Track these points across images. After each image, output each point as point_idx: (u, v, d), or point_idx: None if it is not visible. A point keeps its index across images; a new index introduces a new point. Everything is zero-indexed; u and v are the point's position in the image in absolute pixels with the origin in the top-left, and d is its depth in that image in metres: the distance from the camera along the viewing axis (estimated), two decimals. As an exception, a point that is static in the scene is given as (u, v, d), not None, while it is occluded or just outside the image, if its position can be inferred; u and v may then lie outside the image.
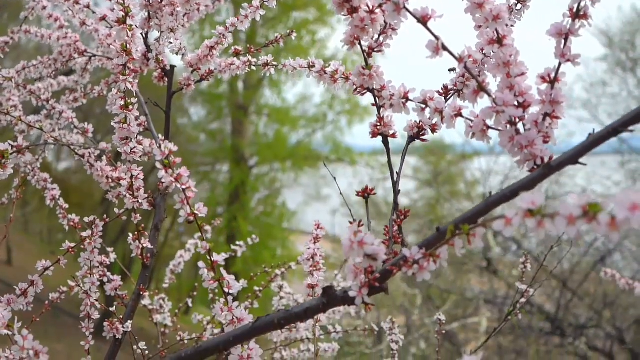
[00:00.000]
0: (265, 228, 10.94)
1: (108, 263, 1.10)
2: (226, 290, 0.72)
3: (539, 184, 0.55)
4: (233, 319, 0.72)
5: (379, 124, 0.72)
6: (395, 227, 0.71)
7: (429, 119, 0.72)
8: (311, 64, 0.88)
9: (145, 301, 1.41)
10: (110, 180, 1.10)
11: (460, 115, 0.66)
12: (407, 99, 0.70)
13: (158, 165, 0.68)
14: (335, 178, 1.03)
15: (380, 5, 0.64)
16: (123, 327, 1.02)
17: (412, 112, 0.72)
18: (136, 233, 1.05)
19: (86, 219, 0.99)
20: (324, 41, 11.07)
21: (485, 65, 0.67)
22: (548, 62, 0.64)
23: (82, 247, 1.04)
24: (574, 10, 0.60)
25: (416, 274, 0.60)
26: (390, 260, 0.63)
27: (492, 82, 0.67)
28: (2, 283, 7.18)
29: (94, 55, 1.29)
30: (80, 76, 1.29)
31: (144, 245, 1.06)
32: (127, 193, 0.98)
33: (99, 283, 1.02)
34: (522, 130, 0.61)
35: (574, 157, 0.55)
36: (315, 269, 0.99)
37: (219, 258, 0.73)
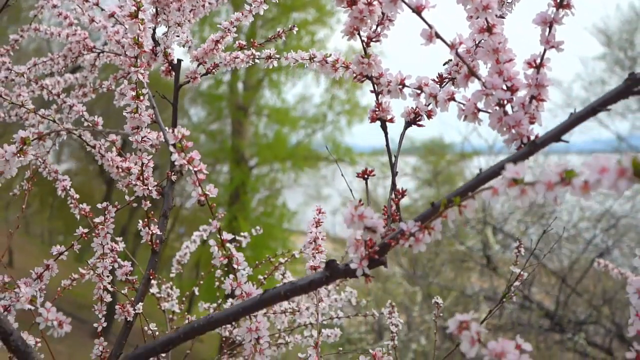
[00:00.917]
0: (265, 228, 10.98)
1: (119, 249, 1.15)
2: (235, 266, 0.77)
3: (524, 160, 0.60)
4: (242, 293, 0.76)
5: (377, 109, 0.77)
6: (394, 206, 0.76)
7: (425, 104, 0.77)
8: (312, 55, 0.93)
9: (153, 289, 1.46)
10: (120, 170, 1.15)
11: (453, 99, 0.71)
12: (404, 85, 0.75)
13: (171, 149, 0.73)
14: (343, 175, 1.07)
15: (377, -3, 0.68)
16: (134, 309, 1.06)
17: (408, 98, 0.77)
18: (146, 220, 1.10)
19: (99, 206, 1.03)
20: (323, 41, 11.12)
21: (477, 53, 0.72)
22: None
23: (93, 234, 1.08)
24: (558, 0, 0.65)
25: (412, 245, 0.65)
26: (389, 235, 0.68)
27: (483, 69, 0.72)
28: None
29: (102, 52, 1.34)
30: (89, 72, 1.34)
31: (154, 232, 1.11)
32: (138, 181, 1.03)
33: (110, 267, 1.07)
34: (510, 111, 0.66)
35: (556, 135, 0.60)
36: (317, 251, 1.04)
37: (228, 236, 0.77)
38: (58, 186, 1.25)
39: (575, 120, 0.59)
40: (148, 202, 1.07)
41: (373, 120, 0.78)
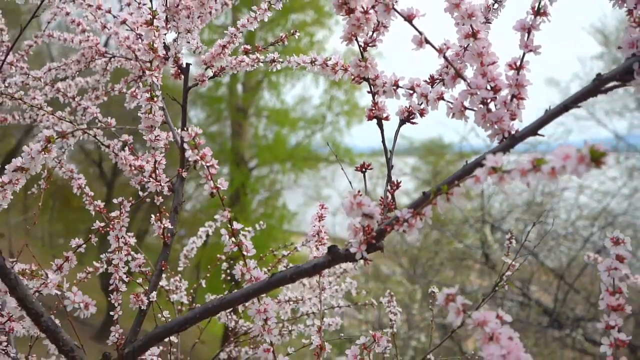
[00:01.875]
0: (266, 229, 11.03)
1: (132, 243, 1.21)
2: (245, 253, 0.84)
3: (505, 152, 0.67)
4: (251, 277, 0.83)
5: (373, 108, 0.84)
6: (389, 197, 0.83)
7: (417, 103, 0.84)
8: (313, 59, 1.00)
9: (162, 282, 1.52)
10: (132, 168, 1.22)
11: (442, 98, 0.78)
12: (398, 86, 0.82)
13: (186, 145, 0.80)
14: (345, 174, 1.14)
15: (373, 7, 0.75)
16: (148, 298, 1.13)
17: (402, 97, 0.84)
18: (158, 214, 1.17)
19: (115, 200, 1.10)
20: (321, 43, 11.19)
21: (464, 56, 0.79)
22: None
23: (109, 228, 1.15)
24: (535, 8, 0.72)
25: (406, 231, 0.72)
26: (385, 222, 0.75)
27: (470, 71, 0.79)
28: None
29: (114, 56, 1.41)
30: (101, 75, 1.41)
31: (165, 226, 1.18)
32: (151, 177, 1.10)
33: (125, 259, 1.13)
34: (493, 109, 0.73)
35: (533, 129, 0.67)
36: (320, 243, 1.11)
37: (239, 226, 0.84)
38: (74, 184, 1.32)
39: (550, 116, 0.66)
40: (160, 197, 1.14)
41: (370, 118, 0.85)
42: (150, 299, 1.12)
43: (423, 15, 0.72)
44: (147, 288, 1.13)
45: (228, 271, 1.60)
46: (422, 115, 0.87)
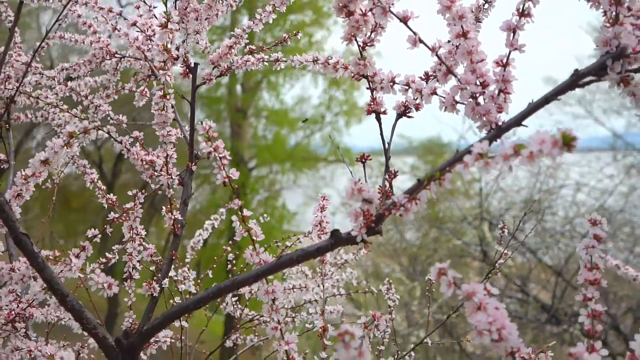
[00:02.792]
0: (266, 229, 11.08)
1: (144, 234, 1.28)
2: (254, 238, 0.91)
3: (492, 141, 0.74)
4: (260, 261, 0.90)
5: (372, 103, 0.91)
6: (387, 185, 0.89)
7: (413, 98, 0.90)
8: (315, 57, 1.07)
9: (171, 273, 1.59)
10: (144, 163, 1.28)
11: (435, 93, 0.85)
12: (394, 82, 0.89)
13: (200, 138, 0.87)
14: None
15: (371, 9, 0.82)
16: (160, 285, 1.20)
17: (399, 93, 0.90)
18: (169, 206, 1.23)
19: (130, 192, 1.17)
20: (320, 43, 11.26)
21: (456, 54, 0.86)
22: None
23: (122, 218, 1.22)
24: (520, 10, 0.79)
25: (403, 215, 0.79)
26: (383, 206, 0.81)
27: (461, 68, 0.85)
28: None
29: (124, 57, 1.47)
30: (112, 75, 1.48)
31: (176, 217, 1.24)
32: (162, 171, 1.16)
33: (140, 248, 1.20)
34: (482, 102, 0.80)
35: (517, 121, 0.74)
36: (322, 233, 1.18)
37: (248, 213, 0.91)
38: (87, 179, 1.39)
39: (532, 108, 0.73)
40: (171, 190, 1.21)
41: (369, 112, 0.92)
42: (162, 286, 1.19)
43: (417, 17, 0.79)
44: (159, 275, 1.19)
45: (234, 262, 1.66)
46: (417, 109, 0.93)
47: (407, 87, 0.87)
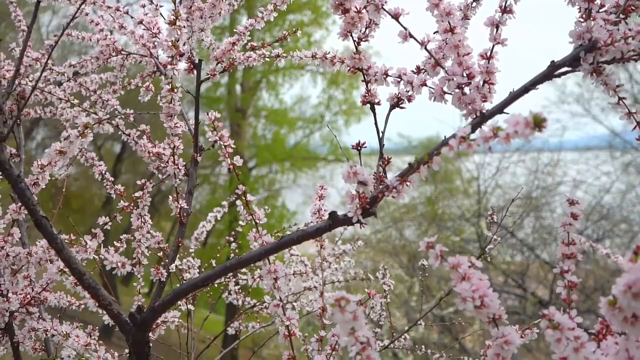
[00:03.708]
0: (265, 229, 11.14)
1: (151, 223, 1.34)
2: (257, 221, 0.97)
3: (476, 127, 0.80)
4: (262, 242, 0.96)
5: (367, 94, 0.97)
6: (381, 170, 0.96)
7: (405, 90, 0.97)
8: (314, 53, 1.13)
9: (173, 265, 1.66)
10: (151, 154, 1.34)
11: (425, 84, 0.91)
12: (387, 75, 0.95)
13: (206, 128, 0.93)
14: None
15: (365, 7, 0.88)
16: (167, 270, 1.26)
17: (392, 85, 0.97)
18: (175, 195, 1.30)
19: (138, 182, 1.23)
20: (319, 42, 11.32)
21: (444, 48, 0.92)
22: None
23: (132, 206, 1.28)
24: (502, 7, 0.86)
25: (395, 196, 0.85)
26: (377, 189, 0.88)
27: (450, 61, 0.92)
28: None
29: (130, 54, 1.54)
30: (118, 71, 1.54)
31: (182, 206, 1.31)
32: (169, 161, 1.23)
33: (149, 235, 1.26)
34: (468, 92, 0.86)
35: (499, 109, 0.81)
36: (320, 219, 1.24)
37: (252, 198, 0.97)
38: (95, 171, 1.45)
39: (513, 97, 0.79)
40: (178, 179, 1.27)
41: (364, 103, 0.98)
42: (170, 271, 1.25)
43: (407, 13, 0.85)
44: (166, 261, 1.26)
45: (237, 251, 1.73)
46: (409, 100, 1.00)
47: (399, 80, 0.94)
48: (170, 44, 1.04)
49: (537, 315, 6.74)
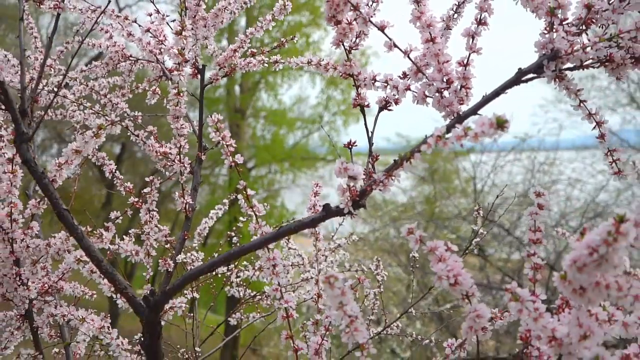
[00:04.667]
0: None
1: (157, 219, 1.44)
2: (257, 213, 1.07)
3: (452, 127, 0.90)
4: (262, 232, 1.06)
5: (357, 98, 1.07)
6: (370, 167, 1.05)
7: (392, 94, 1.07)
8: (309, 59, 1.23)
9: (180, 256, 1.75)
10: (158, 154, 1.44)
11: (409, 89, 1.01)
12: (375, 80, 1.05)
13: (210, 129, 1.03)
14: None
15: (355, 19, 0.98)
16: (174, 261, 1.36)
17: (379, 89, 1.07)
18: (181, 191, 1.39)
19: (147, 179, 1.33)
20: (317, 43, 11.41)
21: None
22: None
23: (141, 201, 1.38)
24: (478, 19, 0.95)
25: (382, 190, 0.95)
26: (366, 183, 0.98)
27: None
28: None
29: (137, 60, 1.63)
30: (127, 76, 1.64)
31: (187, 201, 1.40)
32: (176, 160, 1.32)
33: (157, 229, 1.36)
34: (447, 96, 0.96)
35: (474, 110, 0.90)
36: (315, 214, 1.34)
37: (252, 192, 1.07)
38: (106, 169, 1.55)
39: (485, 101, 0.89)
40: (184, 177, 1.37)
41: (355, 106, 1.08)
42: (177, 261, 1.35)
43: (392, 26, 0.95)
44: (173, 252, 1.36)
45: (238, 244, 1.82)
46: (396, 103, 1.09)
47: (386, 84, 1.04)
48: (176, 51, 1.13)
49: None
